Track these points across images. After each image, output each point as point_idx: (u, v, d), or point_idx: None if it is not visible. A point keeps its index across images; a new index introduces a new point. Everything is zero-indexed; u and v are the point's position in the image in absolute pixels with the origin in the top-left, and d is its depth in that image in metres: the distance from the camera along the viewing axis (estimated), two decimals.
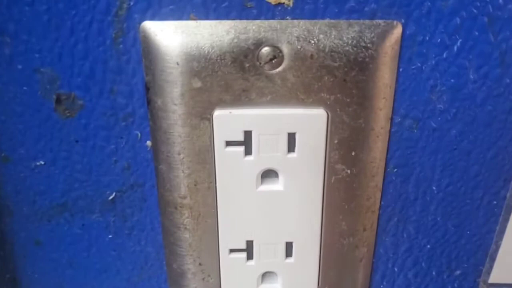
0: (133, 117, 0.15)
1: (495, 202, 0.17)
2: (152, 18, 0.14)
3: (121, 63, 0.15)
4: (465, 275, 0.19)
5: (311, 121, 0.15)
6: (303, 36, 0.14)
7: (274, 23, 0.14)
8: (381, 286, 0.19)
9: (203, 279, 0.18)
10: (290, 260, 0.18)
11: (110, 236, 0.17)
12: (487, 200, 0.17)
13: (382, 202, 0.17)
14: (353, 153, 0.16)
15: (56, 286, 0.19)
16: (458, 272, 0.19)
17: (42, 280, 0.19)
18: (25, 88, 0.15)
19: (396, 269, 0.19)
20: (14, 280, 0.19)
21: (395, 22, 0.14)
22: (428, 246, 0.18)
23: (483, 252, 0.18)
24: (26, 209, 0.17)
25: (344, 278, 0.18)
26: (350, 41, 0.14)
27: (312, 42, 0.14)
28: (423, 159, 0.16)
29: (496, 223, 0.18)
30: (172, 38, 0.14)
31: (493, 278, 0.19)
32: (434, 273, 0.19)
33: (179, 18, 0.14)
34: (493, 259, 0.18)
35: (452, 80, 0.15)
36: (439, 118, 0.16)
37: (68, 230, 0.17)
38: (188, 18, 0.14)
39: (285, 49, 0.14)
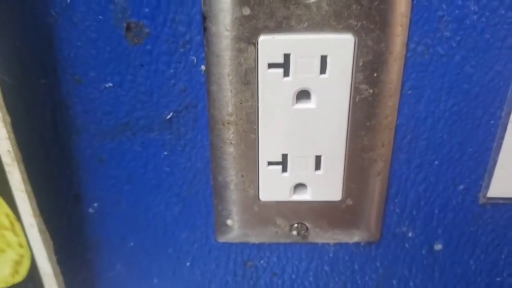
0: (190, 44, 0.18)
1: (492, 122, 0.20)
2: None
3: None
4: (467, 190, 0.22)
5: (341, 45, 0.18)
6: None
7: None
8: (396, 200, 0.22)
9: (244, 189, 0.21)
10: (318, 172, 0.20)
11: (165, 153, 0.20)
12: (485, 120, 0.20)
13: (398, 121, 0.20)
14: (375, 75, 0.19)
15: (114, 202, 0.22)
16: (461, 187, 0.22)
17: (102, 196, 0.21)
18: (100, 17, 0.18)
19: (408, 184, 0.22)
20: (78, 197, 0.21)
21: None
22: (436, 162, 0.21)
23: (483, 168, 0.21)
24: (93, 128, 0.20)
25: (364, 191, 0.21)
26: None
27: None
28: (433, 81, 0.19)
29: (493, 141, 0.21)
30: None
31: (491, 192, 0.22)
32: (440, 188, 0.22)
33: None
34: (491, 175, 0.22)
35: (457, 11, 0.18)
36: (445, 45, 0.19)
37: (129, 148, 0.20)
38: None
39: None
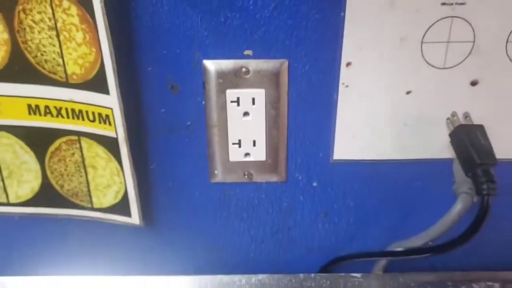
0: (202, 94, 0.44)
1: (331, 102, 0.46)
2: None
3: None
4: (324, 153, 0.47)
5: (259, 94, 0.44)
6: None
7: None
8: (293, 160, 0.47)
9: (221, 156, 0.46)
10: (255, 148, 0.46)
11: (186, 140, 0.46)
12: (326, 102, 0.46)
13: (288, 126, 0.45)
14: (273, 106, 0.44)
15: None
16: (321, 153, 0.47)
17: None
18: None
19: (297, 149, 0.47)
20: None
21: None
22: (305, 140, 0.47)
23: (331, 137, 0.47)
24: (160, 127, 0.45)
25: (276, 155, 0.47)
26: None
27: None
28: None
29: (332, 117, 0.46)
30: None
31: (336, 155, 0.47)
32: (307, 153, 0.47)
33: None
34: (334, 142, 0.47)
35: None
36: None
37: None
38: None
39: None
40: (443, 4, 0.39)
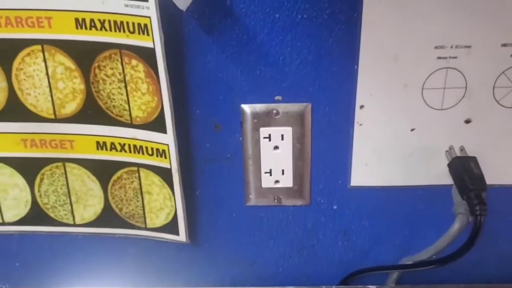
0: (239, 131, 0.53)
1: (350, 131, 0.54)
2: None
3: None
4: (343, 179, 0.56)
5: (287, 132, 0.52)
6: None
7: None
8: (316, 186, 0.56)
9: (255, 183, 0.55)
10: (283, 176, 0.54)
11: (227, 169, 0.54)
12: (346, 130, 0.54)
13: (312, 155, 0.54)
14: (298, 142, 0.53)
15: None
16: (339, 180, 0.56)
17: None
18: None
19: (320, 179, 0.55)
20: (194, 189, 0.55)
21: None
22: (322, 165, 0.55)
23: (347, 165, 0.55)
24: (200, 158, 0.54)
25: (301, 183, 0.55)
26: None
27: None
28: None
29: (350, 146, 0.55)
30: None
31: (353, 182, 0.56)
32: (328, 179, 0.56)
33: None
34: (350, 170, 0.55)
35: None
36: None
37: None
38: None
39: None
40: (439, 58, 0.48)
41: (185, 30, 0.48)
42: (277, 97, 0.51)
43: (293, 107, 0.51)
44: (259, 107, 0.51)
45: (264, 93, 0.51)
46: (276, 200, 0.56)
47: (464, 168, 0.48)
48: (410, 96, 0.50)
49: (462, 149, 0.51)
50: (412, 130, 0.51)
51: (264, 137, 0.52)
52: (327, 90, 0.50)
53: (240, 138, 0.53)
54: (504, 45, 0.48)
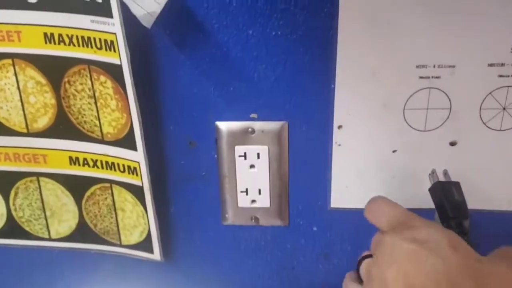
0: (215, 148, 0.51)
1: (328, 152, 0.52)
2: None
3: None
4: (322, 200, 0.54)
5: (263, 150, 0.51)
6: None
7: None
8: (294, 207, 0.54)
9: (233, 203, 0.53)
10: (260, 196, 0.53)
11: (202, 187, 0.53)
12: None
13: (289, 177, 0.52)
14: (275, 160, 0.51)
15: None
16: (319, 201, 0.53)
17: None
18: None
19: (298, 199, 0.53)
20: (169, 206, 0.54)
21: None
22: (304, 189, 0.53)
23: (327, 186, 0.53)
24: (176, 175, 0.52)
25: (279, 203, 0.53)
26: None
27: None
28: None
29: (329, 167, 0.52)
30: None
31: (333, 204, 0.53)
32: (309, 201, 0.53)
33: None
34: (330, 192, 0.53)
35: None
36: None
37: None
38: None
39: None
40: (421, 77, 0.46)
41: (157, 46, 0.47)
42: (252, 115, 0.49)
43: (269, 125, 0.49)
44: (235, 124, 0.50)
45: (239, 110, 0.49)
46: (253, 220, 0.54)
47: (445, 194, 0.45)
48: (391, 116, 0.47)
49: (445, 173, 0.49)
50: (394, 151, 0.49)
51: (240, 155, 0.51)
52: (304, 108, 0.48)
53: (215, 156, 0.51)
54: (490, 64, 0.45)
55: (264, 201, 0.53)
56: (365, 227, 0.52)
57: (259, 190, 0.52)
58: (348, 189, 0.51)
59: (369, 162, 0.50)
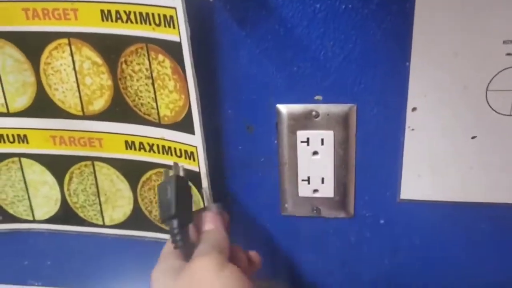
0: (275, 133, 0.48)
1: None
2: None
3: None
4: (392, 192, 0.49)
5: (328, 136, 0.47)
6: None
7: None
8: (361, 198, 0.50)
9: (292, 191, 0.50)
10: (323, 184, 0.49)
11: (260, 174, 0.50)
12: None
13: (356, 164, 0.48)
14: (341, 147, 0.47)
15: None
16: (388, 192, 0.49)
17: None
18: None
19: (366, 187, 0.49)
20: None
21: None
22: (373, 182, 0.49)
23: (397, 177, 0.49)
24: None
25: (344, 192, 0.49)
26: None
27: None
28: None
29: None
30: None
31: (403, 195, 0.49)
32: (376, 191, 0.49)
33: None
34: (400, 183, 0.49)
35: None
36: None
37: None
38: None
39: None
40: (508, 54, 0.41)
41: (216, 23, 0.44)
42: (317, 97, 0.46)
43: (336, 108, 0.46)
44: (297, 107, 0.46)
45: (302, 92, 0.46)
46: (314, 211, 0.51)
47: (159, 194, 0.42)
48: (472, 99, 0.43)
49: None
50: (473, 138, 0.44)
51: (302, 141, 0.47)
52: (374, 89, 0.44)
53: (275, 142, 0.48)
54: None
55: (327, 190, 0.49)
56: (437, 221, 0.48)
57: (322, 179, 0.49)
58: (420, 178, 0.47)
59: (445, 149, 0.45)
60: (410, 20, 0.41)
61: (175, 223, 0.41)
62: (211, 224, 0.43)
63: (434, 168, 0.46)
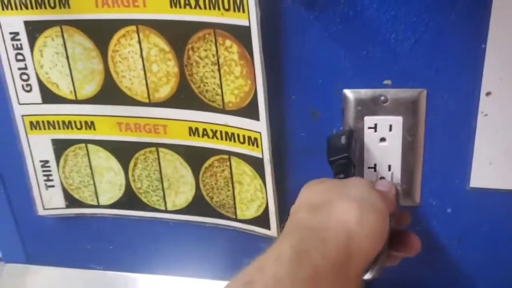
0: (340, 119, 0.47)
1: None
2: None
3: None
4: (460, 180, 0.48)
5: (397, 122, 0.46)
6: None
7: None
8: (427, 186, 0.48)
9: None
10: (390, 172, 0.48)
11: None
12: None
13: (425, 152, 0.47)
14: (409, 133, 0.46)
15: None
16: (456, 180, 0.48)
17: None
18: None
19: (432, 177, 0.48)
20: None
21: None
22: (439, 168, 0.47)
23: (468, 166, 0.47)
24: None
25: (411, 181, 0.48)
26: None
27: None
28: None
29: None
30: None
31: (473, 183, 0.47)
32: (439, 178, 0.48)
33: None
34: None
35: None
36: None
37: None
38: None
39: None
40: None
41: (282, 6, 0.43)
42: (386, 81, 0.45)
43: (405, 93, 0.45)
44: (365, 92, 0.45)
45: (371, 76, 0.45)
46: None
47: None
48: None
49: None
50: None
51: (369, 127, 0.46)
52: (446, 74, 0.43)
53: (341, 128, 0.47)
54: None
55: (394, 178, 0.48)
56: (507, 211, 0.47)
57: (389, 166, 0.48)
58: (492, 166, 0.45)
59: None
60: (487, 0, 0.39)
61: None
62: (385, 188, 0.39)
63: (507, 154, 0.45)
